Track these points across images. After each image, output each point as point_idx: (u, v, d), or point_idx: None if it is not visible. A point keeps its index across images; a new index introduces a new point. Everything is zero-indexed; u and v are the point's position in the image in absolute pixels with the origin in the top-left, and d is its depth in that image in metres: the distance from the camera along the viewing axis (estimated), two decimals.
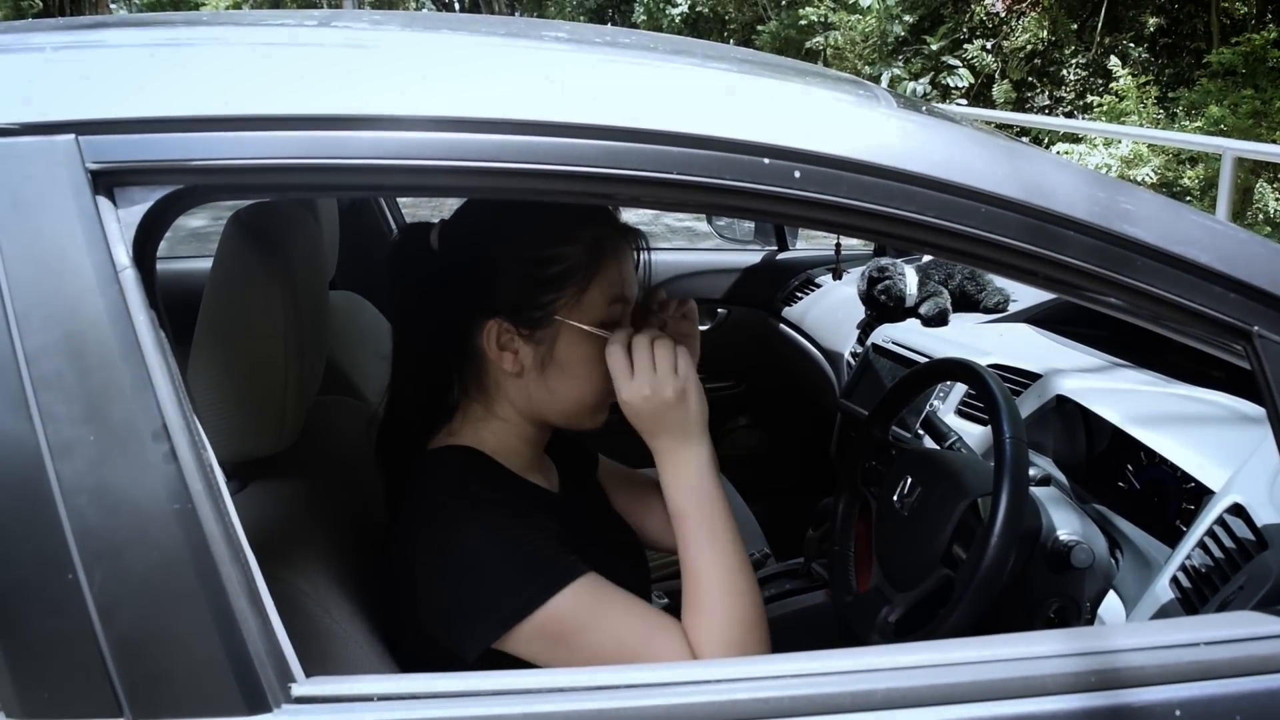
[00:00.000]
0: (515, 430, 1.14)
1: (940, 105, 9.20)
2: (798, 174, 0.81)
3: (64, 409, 0.74)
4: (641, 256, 1.16)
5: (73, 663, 0.76)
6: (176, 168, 0.77)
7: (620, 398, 1.06)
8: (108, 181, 0.76)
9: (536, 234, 1.08)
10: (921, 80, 10.91)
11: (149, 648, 0.76)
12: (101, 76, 0.79)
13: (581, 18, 17.35)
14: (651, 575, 1.31)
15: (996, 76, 10.84)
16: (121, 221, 0.76)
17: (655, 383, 1.03)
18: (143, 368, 0.75)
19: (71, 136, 0.75)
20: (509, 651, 1.00)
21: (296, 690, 0.78)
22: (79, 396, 0.74)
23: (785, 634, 1.06)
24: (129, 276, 0.75)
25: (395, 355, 1.17)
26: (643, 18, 14.98)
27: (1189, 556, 1.19)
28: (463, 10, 22.63)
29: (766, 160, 0.81)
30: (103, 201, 0.75)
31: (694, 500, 1.07)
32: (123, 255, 0.75)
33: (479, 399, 1.14)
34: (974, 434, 1.77)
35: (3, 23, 0.96)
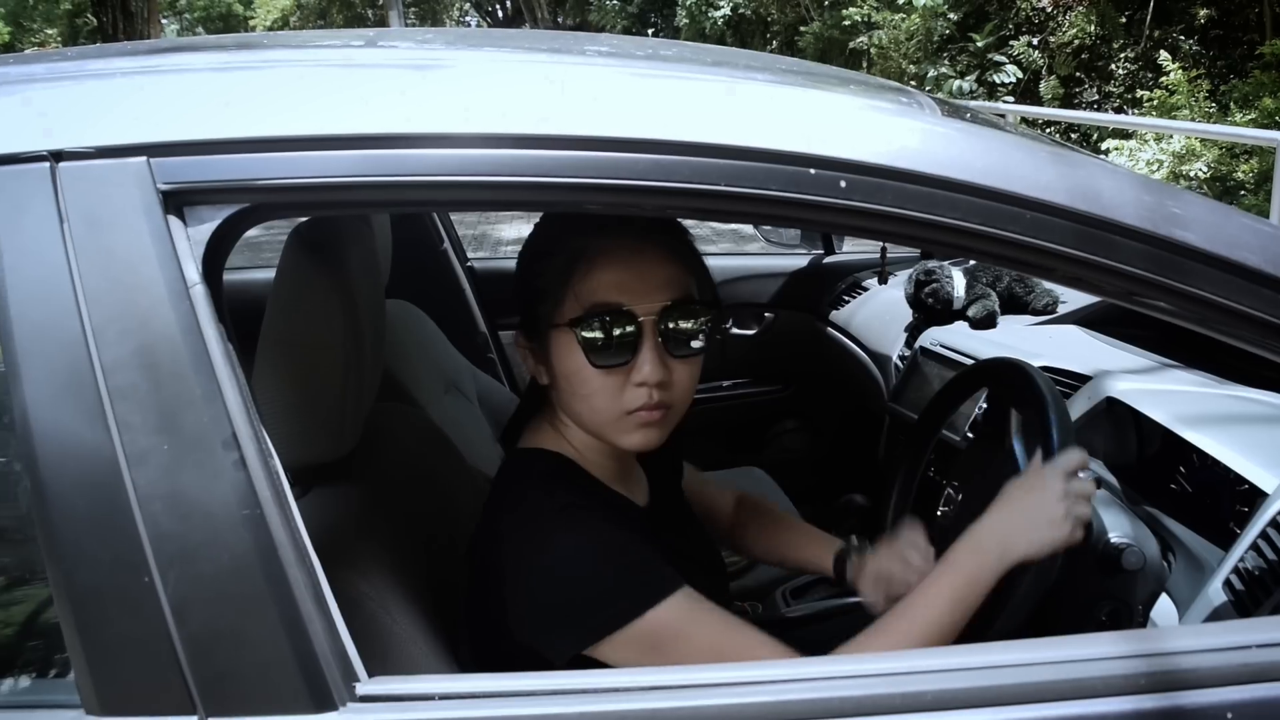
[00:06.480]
0: (586, 440, 1.13)
1: (987, 105, 9.09)
2: (844, 184, 0.82)
3: (139, 419, 0.77)
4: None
5: (148, 661, 0.79)
6: (243, 187, 0.80)
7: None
8: (178, 201, 0.79)
9: (535, 246, 1.11)
10: (968, 78, 10.77)
11: (220, 647, 0.79)
12: (170, 100, 0.82)
13: (624, 22, 17.36)
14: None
15: (1043, 73, 10.67)
16: (191, 239, 0.79)
17: (1064, 496, 1.07)
18: (213, 379, 0.78)
19: (143, 159, 0.78)
20: (599, 658, 1.00)
21: (361, 689, 0.80)
22: (153, 407, 0.77)
23: (830, 635, 1.07)
24: (199, 292, 0.78)
25: None
26: (685, 21, 14.94)
27: (1242, 559, 1.18)
28: (505, 18, 22.76)
29: (813, 171, 0.82)
30: (173, 220, 0.79)
31: (970, 565, 1.08)
32: (193, 271, 0.78)
33: (549, 406, 1.16)
34: None
35: (73, 49, 1.00)
